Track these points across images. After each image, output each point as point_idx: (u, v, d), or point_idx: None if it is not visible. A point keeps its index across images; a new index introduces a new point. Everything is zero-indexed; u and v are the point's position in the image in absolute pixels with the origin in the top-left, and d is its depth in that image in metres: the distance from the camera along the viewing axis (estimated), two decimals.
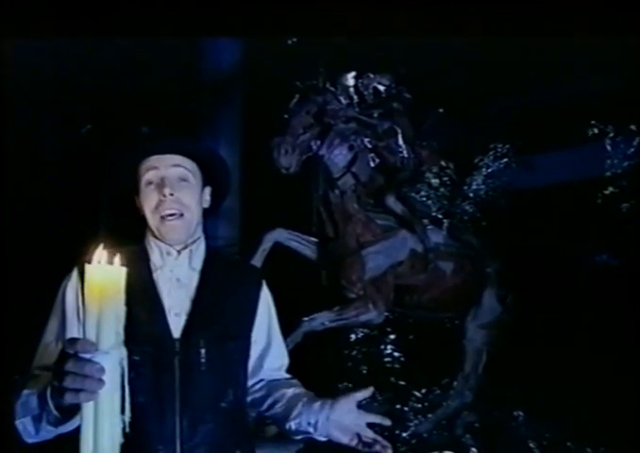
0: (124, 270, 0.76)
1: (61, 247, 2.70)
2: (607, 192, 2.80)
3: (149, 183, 1.10)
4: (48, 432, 0.92)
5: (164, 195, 1.07)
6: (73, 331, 1.05)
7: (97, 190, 3.03)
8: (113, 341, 0.75)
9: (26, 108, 2.70)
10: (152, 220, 1.09)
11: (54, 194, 3.04)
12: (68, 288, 1.09)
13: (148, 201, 1.09)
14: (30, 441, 0.96)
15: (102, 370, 0.74)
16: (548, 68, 2.89)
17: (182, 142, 1.16)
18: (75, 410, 0.82)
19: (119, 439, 0.76)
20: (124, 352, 0.78)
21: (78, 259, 1.10)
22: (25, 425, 0.93)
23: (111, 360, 0.75)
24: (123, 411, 0.78)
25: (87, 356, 0.74)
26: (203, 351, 1.04)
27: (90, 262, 0.75)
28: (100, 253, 0.76)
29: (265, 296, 1.21)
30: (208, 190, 1.18)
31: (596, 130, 2.85)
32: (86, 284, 0.74)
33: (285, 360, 1.26)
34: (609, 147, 2.85)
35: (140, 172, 1.11)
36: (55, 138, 3.16)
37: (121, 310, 0.76)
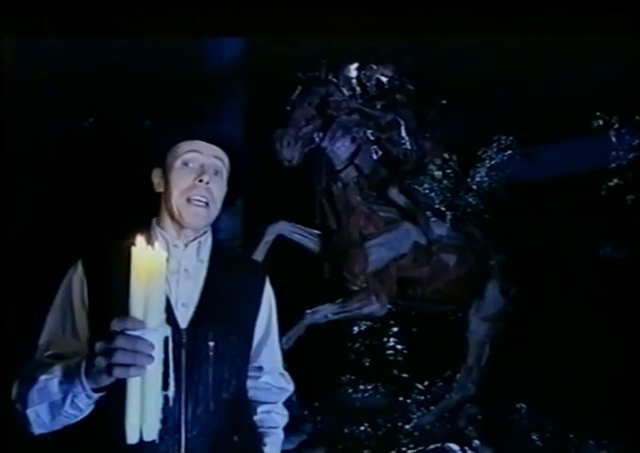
0: (165, 254, 0.80)
1: (63, 239, 2.71)
2: (612, 183, 2.79)
3: (185, 164, 1.09)
4: (67, 418, 0.93)
5: (201, 181, 1.07)
6: (82, 321, 1.06)
7: (100, 182, 3.03)
8: (159, 319, 0.79)
9: (28, 101, 2.70)
10: (177, 200, 1.08)
11: (56, 187, 3.04)
12: (74, 278, 1.09)
13: (180, 182, 1.08)
14: (39, 431, 0.96)
15: (152, 346, 0.78)
16: (553, 59, 2.87)
17: (229, 140, 1.17)
18: (106, 388, 0.85)
19: (160, 414, 0.80)
20: (168, 330, 0.81)
21: (82, 250, 1.11)
22: (38, 412, 0.93)
23: (158, 337, 0.79)
24: (165, 388, 0.82)
25: (136, 333, 0.77)
26: (211, 344, 1.05)
27: (135, 245, 0.78)
28: (139, 238, 0.79)
29: (268, 292, 1.22)
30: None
31: (600, 122, 2.83)
32: (133, 266, 0.77)
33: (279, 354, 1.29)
34: (614, 139, 2.83)
35: (178, 150, 1.10)
36: (56, 131, 3.15)
37: (163, 291, 0.80)
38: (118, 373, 0.77)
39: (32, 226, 2.57)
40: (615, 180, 2.78)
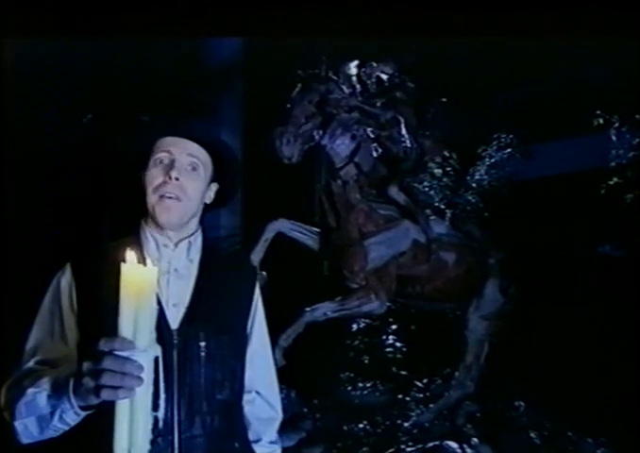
0: (156, 269, 0.77)
1: (52, 242, 2.68)
2: (611, 182, 2.78)
3: (160, 162, 1.08)
4: (56, 431, 0.92)
5: (170, 178, 1.06)
6: (71, 325, 1.04)
7: (93, 183, 3.02)
8: (148, 339, 0.76)
9: (27, 98, 2.69)
10: (150, 198, 1.07)
11: (49, 187, 3.02)
12: (62, 282, 1.07)
13: (152, 179, 1.07)
14: (27, 441, 0.94)
15: (141, 368, 0.75)
16: (553, 57, 2.86)
17: (204, 133, 1.15)
18: (95, 407, 0.83)
19: (149, 436, 0.77)
20: (158, 350, 0.79)
21: (71, 253, 1.09)
22: (26, 425, 0.91)
23: (148, 357, 0.76)
24: (155, 408, 0.79)
25: (125, 354, 0.75)
26: (203, 344, 1.03)
27: (124, 261, 0.75)
28: (130, 253, 0.76)
29: (257, 294, 1.20)
30: (214, 186, 1.16)
31: (601, 120, 2.82)
32: (122, 283, 0.75)
33: (269, 355, 1.26)
34: (614, 137, 2.82)
35: (154, 149, 1.10)
36: (55, 127, 3.14)
37: (154, 308, 0.77)
38: (106, 395, 0.75)
39: (22, 227, 2.53)
40: (615, 179, 2.78)
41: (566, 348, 2.82)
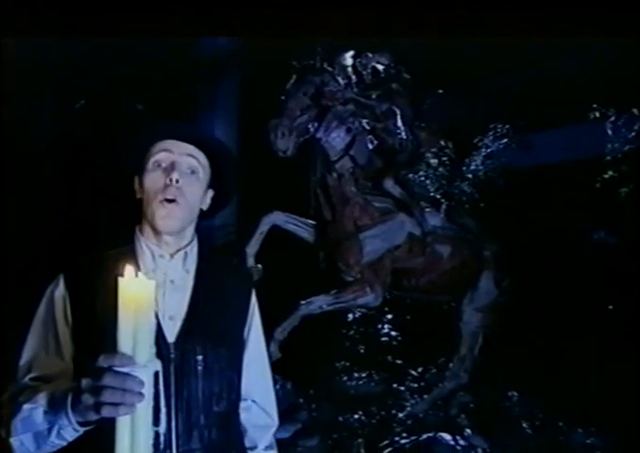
0: (154, 283, 0.76)
1: (47, 252, 2.64)
2: (606, 176, 2.79)
3: (158, 165, 1.05)
4: (53, 447, 0.90)
5: (170, 180, 1.03)
6: (65, 339, 1.03)
7: (90, 190, 2.99)
8: (148, 354, 0.76)
9: (26, 99, 2.66)
10: (151, 203, 1.04)
11: (45, 196, 2.99)
12: (56, 295, 1.04)
13: (152, 183, 1.04)
14: None
15: (142, 383, 0.74)
16: (550, 50, 2.84)
17: (203, 135, 1.12)
18: (94, 423, 0.82)
19: (150, 451, 0.76)
20: (158, 365, 0.78)
21: (64, 263, 1.06)
22: (22, 441, 0.90)
23: (148, 373, 0.76)
24: (156, 423, 0.78)
25: (125, 370, 0.74)
26: (200, 358, 1.02)
27: (122, 275, 0.74)
28: (128, 267, 0.75)
29: (254, 301, 1.19)
30: (210, 193, 1.14)
31: (597, 113, 2.82)
32: (120, 298, 0.74)
33: (266, 362, 1.25)
34: (609, 131, 2.81)
35: (151, 151, 1.07)
36: (51, 133, 3.11)
37: (153, 323, 0.76)
38: (106, 412, 0.74)
39: (14, 237, 2.48)
40: (610, 172, 2.78)
41: (559, 340, 2.85)
